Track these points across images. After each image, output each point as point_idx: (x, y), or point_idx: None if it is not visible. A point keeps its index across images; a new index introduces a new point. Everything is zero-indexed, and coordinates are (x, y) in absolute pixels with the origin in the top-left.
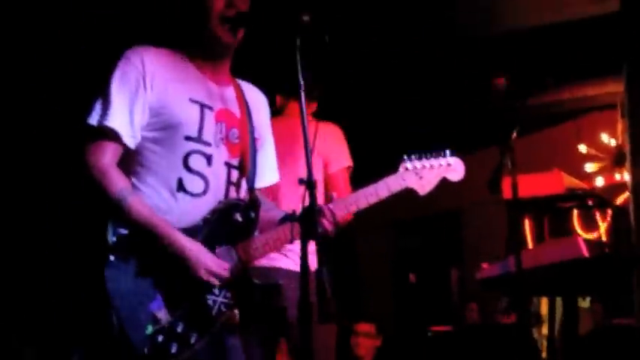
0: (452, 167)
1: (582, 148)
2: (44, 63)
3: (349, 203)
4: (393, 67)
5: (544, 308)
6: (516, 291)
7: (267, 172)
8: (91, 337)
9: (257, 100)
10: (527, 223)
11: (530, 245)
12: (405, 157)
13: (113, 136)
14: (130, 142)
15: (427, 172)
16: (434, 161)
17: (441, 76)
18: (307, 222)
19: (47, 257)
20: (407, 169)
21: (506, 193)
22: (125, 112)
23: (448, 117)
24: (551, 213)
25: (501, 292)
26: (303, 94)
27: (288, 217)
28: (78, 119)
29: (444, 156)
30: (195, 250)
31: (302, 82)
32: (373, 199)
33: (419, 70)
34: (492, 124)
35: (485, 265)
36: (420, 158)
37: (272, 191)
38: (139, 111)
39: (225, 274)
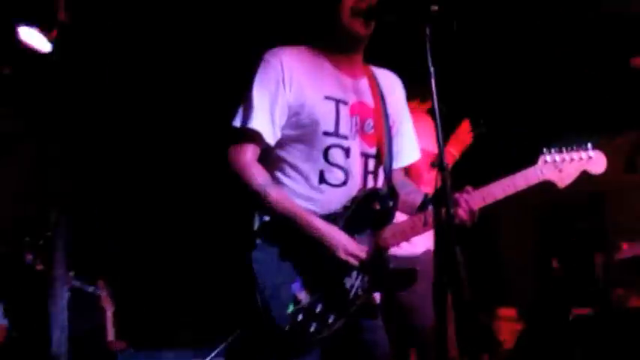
0: (593, 160)
1: None
2: (190, 69)
3: (486, 194)
4: (529, 48)
5: None
6: None
7: (407, 152)
8: (241, 316)
9: (391, 85)
10: None
11: None
12: (545, 149)
13: (256, 136)
14: (272, 140)
15: (567, 165)
16: (574, 154)
17: (579, 55)
18: (440, 208)
19: (201, 246)
20: (546, 161)
21: None
22: (266, 113)
23: (590, 98)
24: None
25: None
26: (433, 82)
27: (428, 201)
28: (225, 121)
29: (585, 149)
30: (334, 233)
31: (432, 70)
32: (510, 190)
33: (556, 51)
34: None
35: (625, 245)
36: (560, 151)
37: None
38: (278, 111)
39: (363, 255)
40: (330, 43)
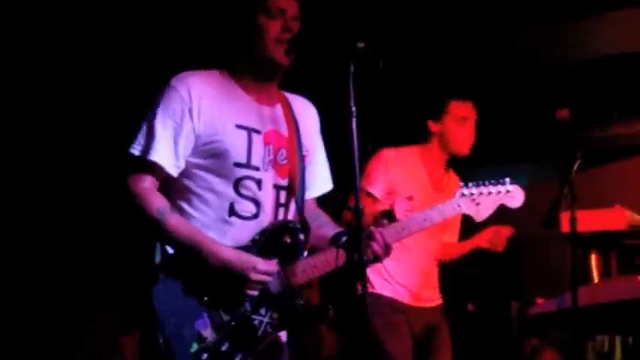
0: (511, 194)
1: None
2: (88, 84)
3: (401, 228)
4: (455, 93)
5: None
6: (571, 328)
7: (320, 182)
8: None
9: (305, 111)
10: (593, 259)
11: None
12: (462, 183)
13: (156, 168)
14: (174, 171)
15: (484, 199)
16: (492, 188)
17: (503, 104)
18: (353, 248)
19: (98, 274)
20: (463, 194)
21: (565, 226)
22: (169, 143)
23: (510, 146)
24: (619, 250)
25: (555, 329)
26: (354, 121)
27: (340, 235)
28: (122, 145)
29: (503, 183)
30: (240, 255)
31: (354, 109)
32: (426, 224)
33: (481, 97)
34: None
35: (540, 301)
36: (477, 185)
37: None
38: (182, 142)
39: (274, 269)
40: (246, 70)
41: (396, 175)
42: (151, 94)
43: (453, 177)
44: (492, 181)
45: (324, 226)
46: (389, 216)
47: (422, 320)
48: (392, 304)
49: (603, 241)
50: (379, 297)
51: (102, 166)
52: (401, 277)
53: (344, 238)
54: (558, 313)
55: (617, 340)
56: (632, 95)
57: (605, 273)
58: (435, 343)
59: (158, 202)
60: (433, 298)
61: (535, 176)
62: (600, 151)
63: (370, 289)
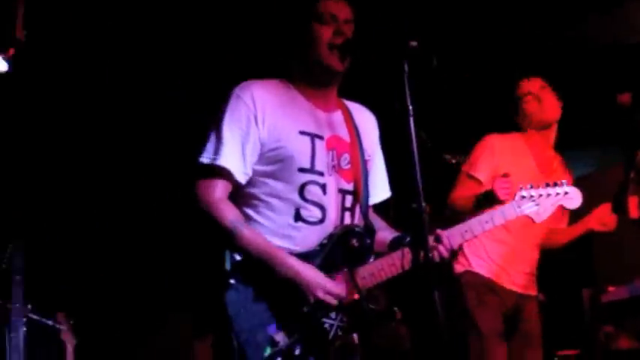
0: (569, 195)
1: None
2: (154, 97)
3: (464, 231)
4: (509, 79)
5: None
6: None
7: (379, 190)
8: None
9: (366, 120)
10: None
11: None
12: (522, 185)
13: (225, 174)
14: (242, 178)
15: (543, 200)
16: (550, 190)
17: (567, 90)
18: (419, 249)
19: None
20: (523, 197)
21: (633, 212)
22: (237, 150)
23: (578, 131)
24: None
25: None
26: (412, 120)
27: (399, 239)
28: (190, 156)
29: (561, 185)
30: (311, 272)
31: (410, 108)
32: (489, 227)
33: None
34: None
35: (611, 288)
36: (537, 187)
37: None
38: (249, 148)
39: (343, 293)
40: (304, 77)
41: (501, 159)
42: (216, 106)
43: (560, 160)
44: (550, 184)
45: (382, 230)
46: (489, 197)
47: (515, 305)
48: (488, 284)
49: None
50: (476, 275)
51: (179, 171)
52: (499, 258)
53: (407, 238)
54: (631, 299)
55: None
56: None
57: None
58: (525, 331)
59: (232, 214)
60: (528, 287)
61: (604, 160)
62: None
63: (467, 267)
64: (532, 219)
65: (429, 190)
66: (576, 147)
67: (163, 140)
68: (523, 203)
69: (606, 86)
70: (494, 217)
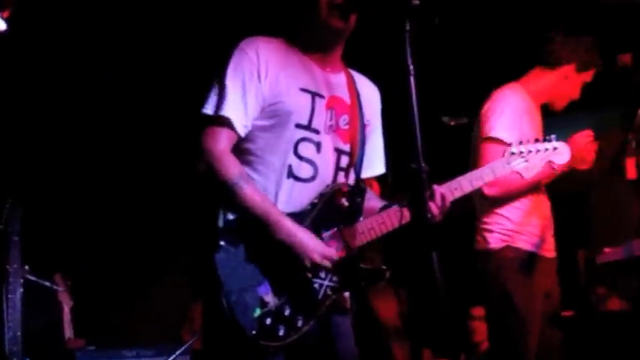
0: (558, 151)
1: None
2: (161, 54)
3: (454, 188)
4: (504, 44)
5: None
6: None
7: (375, 162)
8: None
9: (369, 90)
10: None
11: None
12: (511, 141)
13: (228, 124)
14: (242, 131)
15: (532, 156)
16: (539, 145)
17: None
18: (416, 207)
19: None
20: (512, 153)
21: (630, 173)
22: (239, 102)
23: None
24: None
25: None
26: (413, 80)
27: (388, 207)
28: (194, 108)
29: (550, 141)
30: (306, 237)
31: (412, 68)
32: (478, 183)
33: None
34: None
35: (607, 249)
36: (526, 143)
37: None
38: (252, 101)
39: (335, 256)
40: (308, 38)
41: (520, 116)
42: (221, 59)
43: None
44: (539, 139)
45: (372, 199)
46: None
47: (553, 272)
48: (531, 259)
49: None
50: (517, 250)
51: (178, 127)
52: (537, 227)
53: (396, 205)
54: (625, 261)
55: None
56: None
57: None
58: (550, 292)
59: (235, 168)
60: (555, 247)
61: (600, 124)
62: None
63: (508, 242)
64: (521, 175)
65: (427, 153)
66: (570, 110)
67: (161, 99)
68: (512, 159)
69: (606, 47)
70: (484, 174)
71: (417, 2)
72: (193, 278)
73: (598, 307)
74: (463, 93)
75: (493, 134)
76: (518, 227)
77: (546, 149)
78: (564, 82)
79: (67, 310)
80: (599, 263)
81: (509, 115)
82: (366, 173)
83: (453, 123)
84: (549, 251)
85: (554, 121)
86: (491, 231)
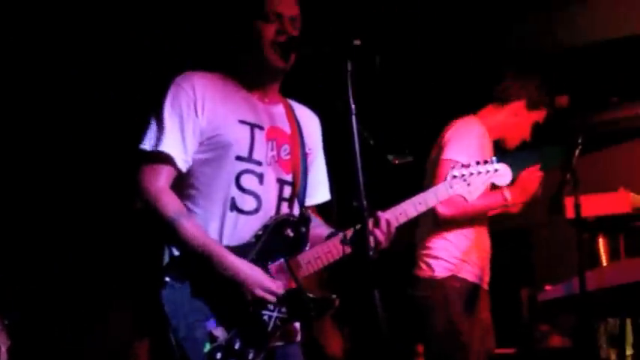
0: (499, 172)
1: None
2: (95, 88)
3: (398, 213)
4: (448, 83)
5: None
6: (580, 314)
7: (319, 189)
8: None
9: (308, 118)
10: (601, 243)
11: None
12: (453, 165)
13: (167, 160)
14: (183, 166)
15: (474, 179)
16: (481, 167)
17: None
18: (359, 240)
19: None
20: (454, 176)
21: (569, 212)
22: (178, 137)
23: None
24: (626, 232)
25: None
26: (354, 119)
27: (335, 235)
28: (131, 145)
29: (491, 162)
30: (249, 271)
31: (353, 107)
32: (422, 208)
33: (472, 88)
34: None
35: (548, 287)
36: (467, 166)
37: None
38: (190, 135)
39: (281, 291)
40: (247, 72)
41: (476, 142)
42: (157, 95)
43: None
44: (480, 162)
45: (319, 227)
46: None
47: (486, 304)
48: (474, 290)
49: (610, 224)
50: (462, 280)
51: (116, 164)
52: (479, 259)
53: (343, 233)
54: (566, 298)
55: (628, 322)
56: (631, 79)
57: (613, 256)
58: (483, 320)
59: (174, 205)
60: (488, 281)
61: (544, 162)
62: (601, 136)
63: (454, 272)
64: (464, 198)
65: (371, 190)
66: (517, 148)
67: (98, 136)
68: (455, 183)
69: (545, 88)
70: (427, 198)
71: (359, 42)
72: (139, 316)
73: (540, 344)
74: (407, 132)
75: (451, 156)
76: (463, 256)
77: (487, 171)
78: (514, 119)
79: (3, 350)
80: (541, 301)
81: (472, 142)
82: (310, 201)
83: (397, 162)
84: (486, 284)
85: (500, 159)
86: (437, 258)
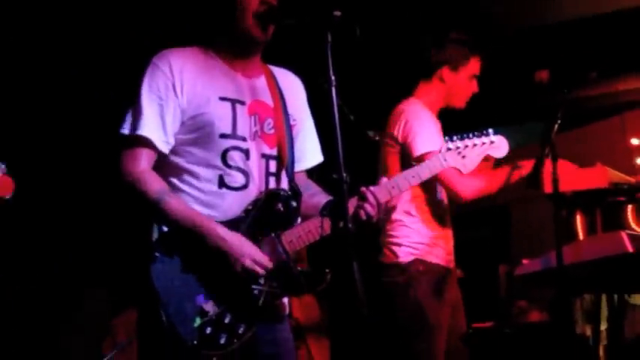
0: (495, 144)
1: (634, 141)
2: (72, 70)
3: (391, 186)
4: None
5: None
6: (557, 287)
7: (309, 154)
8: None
9: (291, 84)
10: (578, 218)
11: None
12: (447, 137)
13: (146, 143)
14: (164, 147)
15: (469, 151)
16: (476, 140)
17: (483, 69)
18: (337, 215)
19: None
20: (449, 148)
21: (547, 187)
22: (156, 119)
23: (493, 110)
24: (603, 207)
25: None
26: (334, 90)
27: (331, 203)
28: (112, 128)
29: (487, 134)
30: (237, 242)
31: (333, 79)
32: (415, 181)
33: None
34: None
35: (525, 261)
36: (462, 138)
37: None
38: (169, 116)
39: (270, 264)
40: (226, 45)
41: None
42: (135, 76)
43: None
44: (476, 133)
45: (316, 195)
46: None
47: (454, 283)
48: (441, 272)
49: (587, 199)
50: (427, 264)
51: (96, 146)
52: (442, 242)
53: (329, 206)
54: (543, 272)
55: (603, 297)
56: (610, 55)
57: (590, 231)
58: (452, 299)
59: (157, 184)
60: (453, 260)
61: (519, 139)
62: (581, 111)
63: (417, 256)
64: (460, 170)
65: (350, 165)
66: (496, 125)
67: (98, 136)
68: (449, 155)
69: (524, 64)
70: (420, 172)
71: (339, 13)
72: (117, 292)
73: (518, 319)
74: (387, 107)
75: (424, 151)
76: (425, 240)
77: (483, 143)
78: (447, 86)
79: None
80: (517, 275)
81: (426, 126)
82: (300, 166)
83: (377, 137)
84: (452, 262)
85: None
86: (399, 244)
